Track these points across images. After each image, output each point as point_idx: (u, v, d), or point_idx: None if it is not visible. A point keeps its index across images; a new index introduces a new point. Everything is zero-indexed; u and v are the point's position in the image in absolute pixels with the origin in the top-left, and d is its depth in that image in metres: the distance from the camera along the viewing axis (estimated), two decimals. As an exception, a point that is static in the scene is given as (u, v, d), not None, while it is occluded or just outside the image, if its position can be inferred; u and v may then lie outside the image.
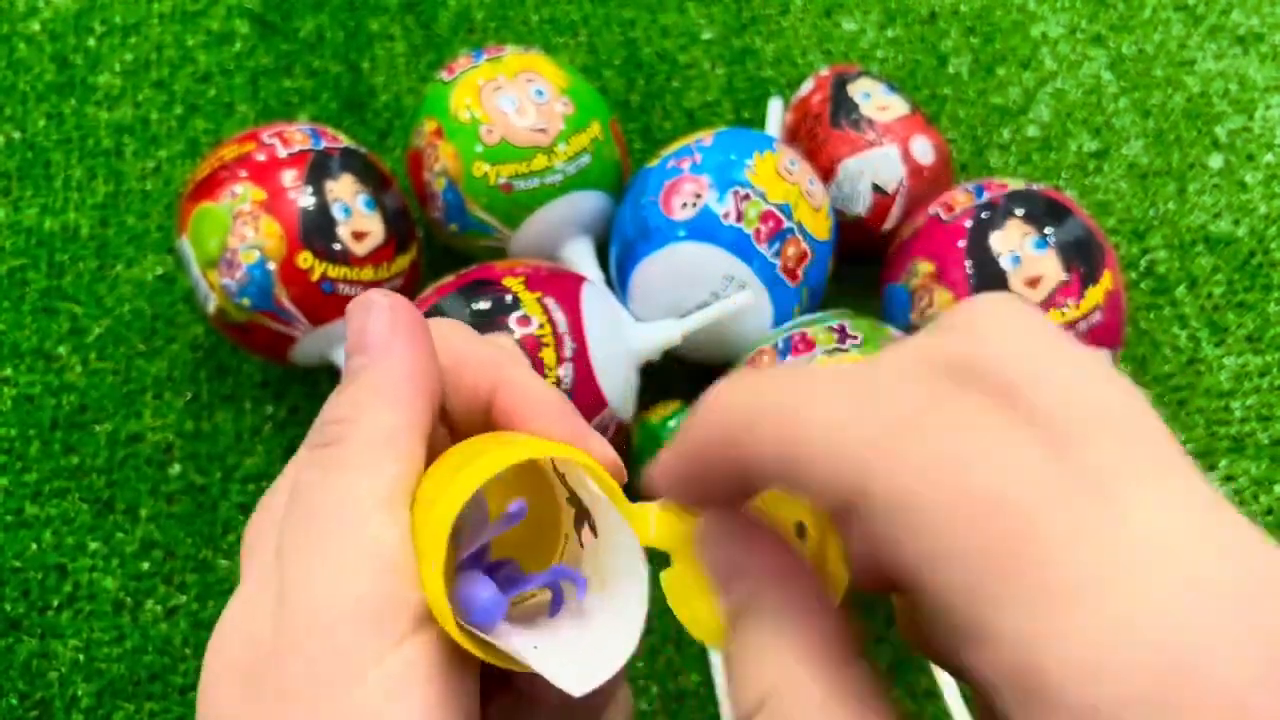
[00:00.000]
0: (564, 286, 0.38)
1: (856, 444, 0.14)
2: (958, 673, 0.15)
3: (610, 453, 0.19)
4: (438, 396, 0.18)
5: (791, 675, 0.15)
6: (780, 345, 0.37)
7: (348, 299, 0.40)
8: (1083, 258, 0.38)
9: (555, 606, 0.18)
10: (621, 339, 0.38)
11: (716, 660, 0.39)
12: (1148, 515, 0.12)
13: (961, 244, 0.39)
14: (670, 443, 0.17)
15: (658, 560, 0.19)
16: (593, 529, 0.19)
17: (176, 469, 0.43)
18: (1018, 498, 0.12)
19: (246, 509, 0.42)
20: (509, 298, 0.37)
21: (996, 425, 0.13)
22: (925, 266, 0.39)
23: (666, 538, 0.19)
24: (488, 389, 0.20)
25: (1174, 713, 0.11)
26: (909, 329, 0.40)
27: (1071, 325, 0.38)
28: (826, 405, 0.14)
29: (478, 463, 0.17)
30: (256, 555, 0.18)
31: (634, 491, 0.19)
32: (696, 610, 0.18)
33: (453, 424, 0.20)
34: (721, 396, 0.16)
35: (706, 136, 0.41)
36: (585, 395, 0.36)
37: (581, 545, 0.19)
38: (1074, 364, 0.14)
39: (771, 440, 0.15)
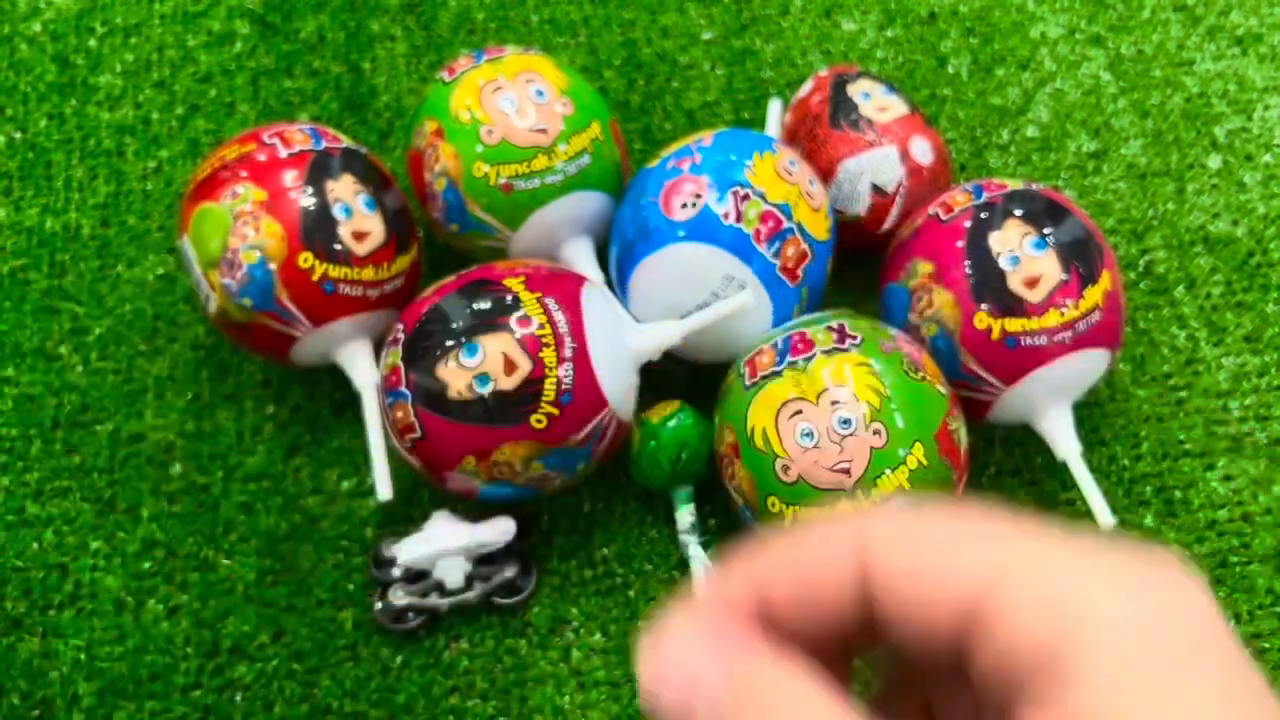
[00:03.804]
0: (564, 287, 0.38)
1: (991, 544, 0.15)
2: None
3: None
4: None
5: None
6: (780, 345, 0.37)
7: (348, 299, 0.40)
8: (1081, 258, 0.38)
9: None
10: (621, 339, 0.38)
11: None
12: None
13: (960, 244, 0.39)
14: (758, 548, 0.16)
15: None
16: None
17: (178, 468, 0.43)
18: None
19: (248, 508, 0.43)
20: (509, 298, 0.37)
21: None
22: (924, 266, 0.39)
23: None
24: None
25: None
26: (908, 328, 0.40)
27: (1070, 325, 0.38)
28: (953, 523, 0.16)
29: None
30: None
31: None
32: None
33: None
34: (833, 519, 0.16)
35: (706, 137, 0.41)
36: (585, 395, 0.36)
37: None
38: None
39: (906, 549, 0.15)
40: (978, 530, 0.16)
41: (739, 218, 0.39)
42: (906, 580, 0.15)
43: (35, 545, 0.42)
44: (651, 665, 0.16)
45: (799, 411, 0.35)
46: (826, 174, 0.44)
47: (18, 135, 0.51)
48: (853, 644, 0.17)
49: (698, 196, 0.39)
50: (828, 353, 0.36)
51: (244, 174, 0.39)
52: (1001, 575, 0.15)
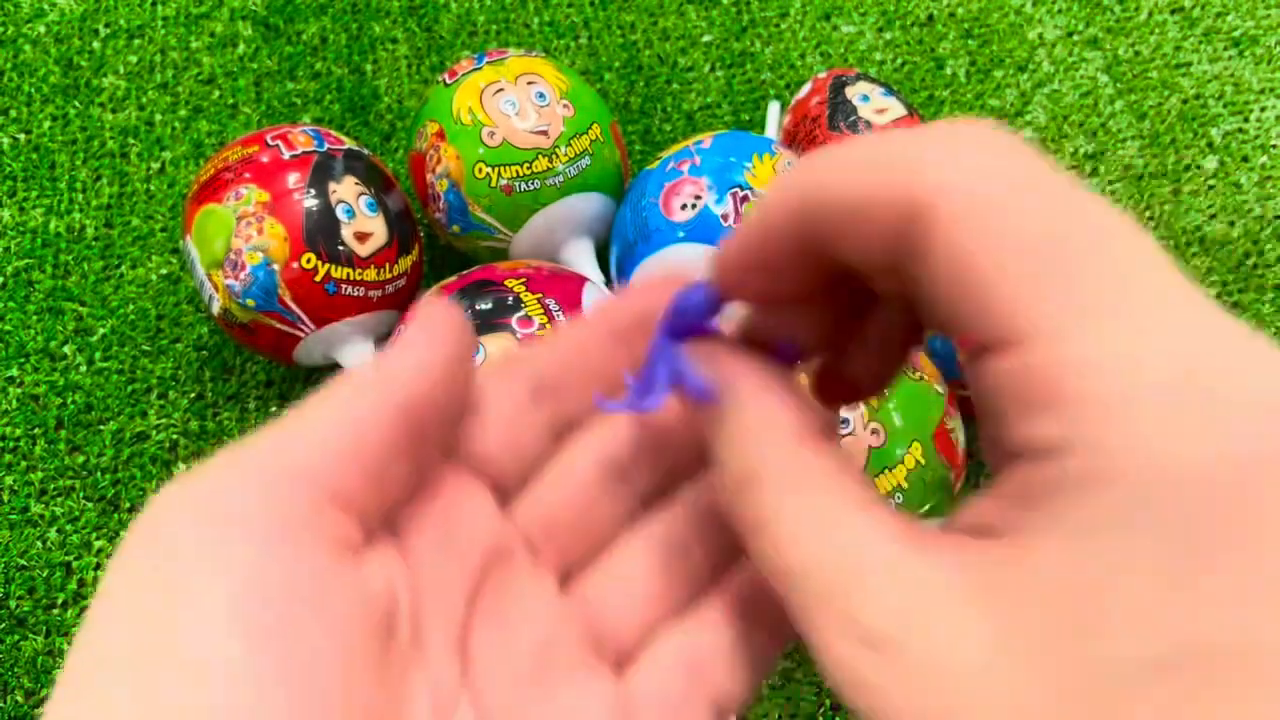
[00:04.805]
0: (565, 288, 0.38)
1: (926, 165, 0.14)
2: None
3: None
4: (412, 405, 0.18)
5: (769, 455, 0.16)
6: (778, 345, 0.38)
7: (351, 299, 0.40)
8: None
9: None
10: (622, 339, 0.39)
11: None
12: (1163, 275, 0.13)
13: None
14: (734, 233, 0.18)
15: None
16: None
17: (181, 468, 0.44)
18: (1064, 219, 0.13)
19: (250, 507, 0.43)
20: (511, 299, 0.37)
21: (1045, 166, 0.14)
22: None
23: None
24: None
25: (1184, 412, 0.12)
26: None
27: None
28: (901, 139, 0.15)
29: None
30: None
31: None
32: None
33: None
34: (790, 172, 0.17)
35: (706, 139, 0.42)
36: (586, 394, 0.37)
37: None
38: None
39: (844, 177, 0.15)
40: (903, 141, 0.15)
41: (738, 219, 0.39)
42: (838, 204, 0.15)
43: (39, 544, 0.42)
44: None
45: (797, 411, 0.36)
46: (825, 176, 0.44)
47: (22, 137, 0.52)
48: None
49: (697, 198, 0.40)
50: (826, 353, 0.37)
51: (247, 175, 0.40)
52: (939, 174, 0.14)
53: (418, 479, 0.19)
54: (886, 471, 0.35)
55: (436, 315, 0.19)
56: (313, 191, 0.40)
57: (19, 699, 0.39)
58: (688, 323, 0.19)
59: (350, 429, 0.17)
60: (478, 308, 0.37)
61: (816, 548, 0.15)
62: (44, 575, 0.42)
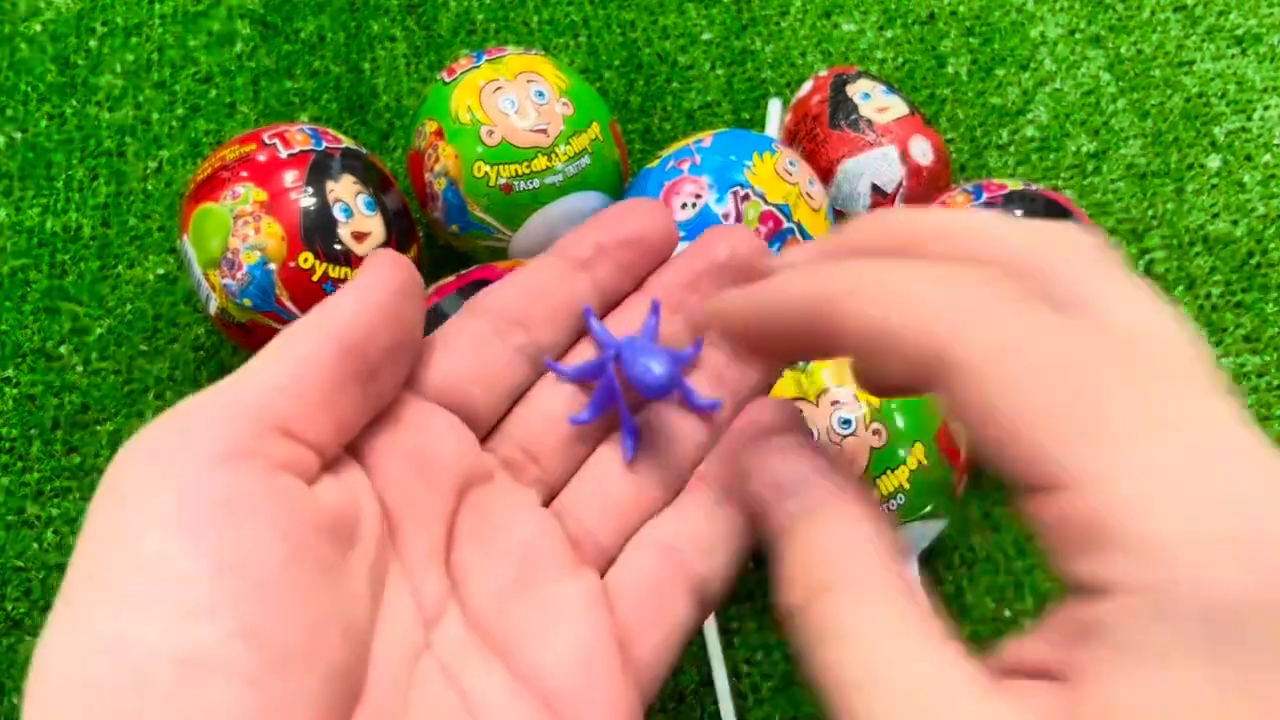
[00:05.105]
0: (564, 287, 0.38)
1: (948, 319, 0.15)
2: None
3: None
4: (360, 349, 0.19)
5: (851, 568, 0.16)
6: (779, 345, 0.38)
7: (349, 299, 0.40)
8: (1081, 258, 0.38)
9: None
10: (621, 339, 0.39)
11: (716, 658, 0.39)
12: (1192, 398, 0.14)
13: (960, 244, 0.39)
14: (749, 288, 0.18)
15: None
16: None
17: (178, 468, 0.43)
18: (1083, 362, 0.14)
19: (248, 508, 0.43)
20: (509, 298, 0.37)
21: (1049, 312, 0.15)
22: (924, 267, 0.40)
23: None
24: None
25: (1228, 543, 0.12)
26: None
27: (1069, 325, 0.38)
28: (925, 283, 0.15)
29: None
30: None
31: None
32: None
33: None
34: (812, 267, 0.17)
35: (706, 137, 0.41)
36: (585, 395, 0.36)
37: None
38: (1129, 289, 0.15)
39: (866, 310, 0.16)
40: (933, 282, 0.16)
41: (739, 218, 0.39)
42: (865, 340, 0.16)
43: (36, 545, 0.42)
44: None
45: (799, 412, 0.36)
46: (826, 174, 0.44)
47: (18, 135, 0.51)
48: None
49: (698, 197, 0.39)
50: (827, 353, 0.36)
51: (244, 174, 0.39)
52: (957, 332, 0.15)
53: (371, 409, 0.20)
54: (889, 472, 0.34)
55: (380, 259, 0.20)
56: (310, 190, 0.39)
57: (15, 701, 0.39)
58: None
59: (293, 366, 0.18)
60: (476, 307, 0.37)
61: (891, 670, 0.15)
62: (40, 577, 0.41)
